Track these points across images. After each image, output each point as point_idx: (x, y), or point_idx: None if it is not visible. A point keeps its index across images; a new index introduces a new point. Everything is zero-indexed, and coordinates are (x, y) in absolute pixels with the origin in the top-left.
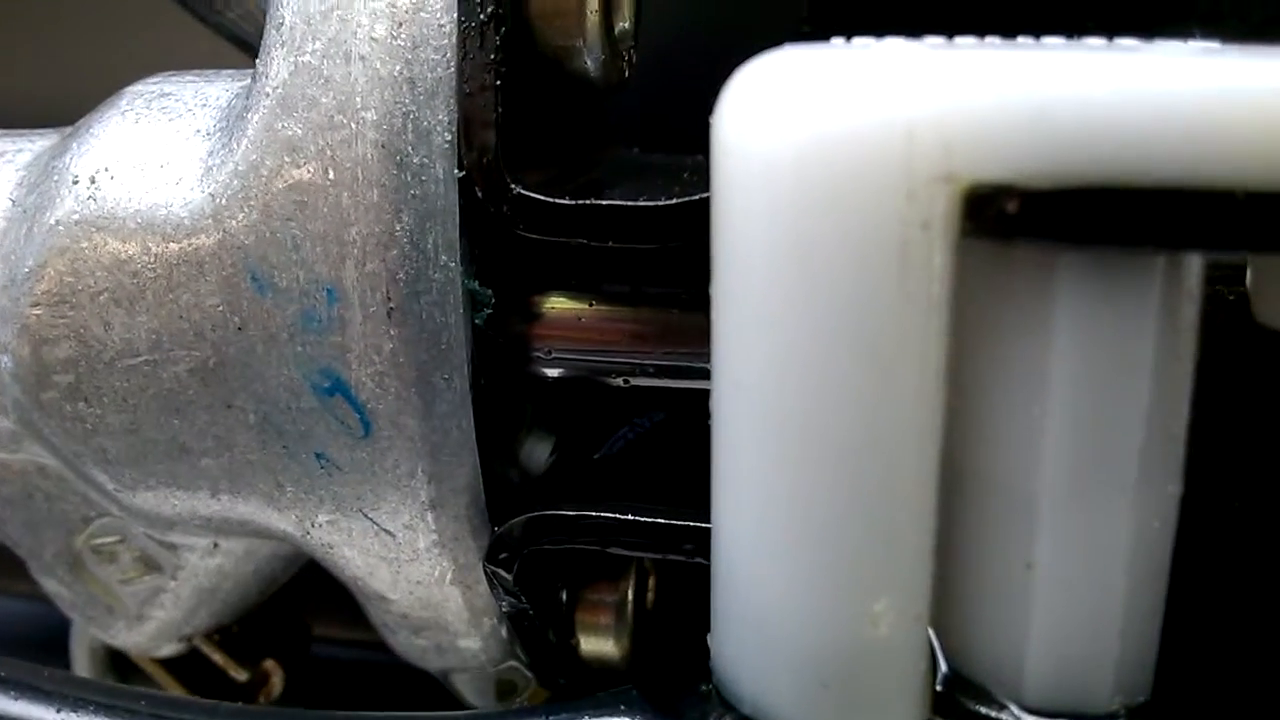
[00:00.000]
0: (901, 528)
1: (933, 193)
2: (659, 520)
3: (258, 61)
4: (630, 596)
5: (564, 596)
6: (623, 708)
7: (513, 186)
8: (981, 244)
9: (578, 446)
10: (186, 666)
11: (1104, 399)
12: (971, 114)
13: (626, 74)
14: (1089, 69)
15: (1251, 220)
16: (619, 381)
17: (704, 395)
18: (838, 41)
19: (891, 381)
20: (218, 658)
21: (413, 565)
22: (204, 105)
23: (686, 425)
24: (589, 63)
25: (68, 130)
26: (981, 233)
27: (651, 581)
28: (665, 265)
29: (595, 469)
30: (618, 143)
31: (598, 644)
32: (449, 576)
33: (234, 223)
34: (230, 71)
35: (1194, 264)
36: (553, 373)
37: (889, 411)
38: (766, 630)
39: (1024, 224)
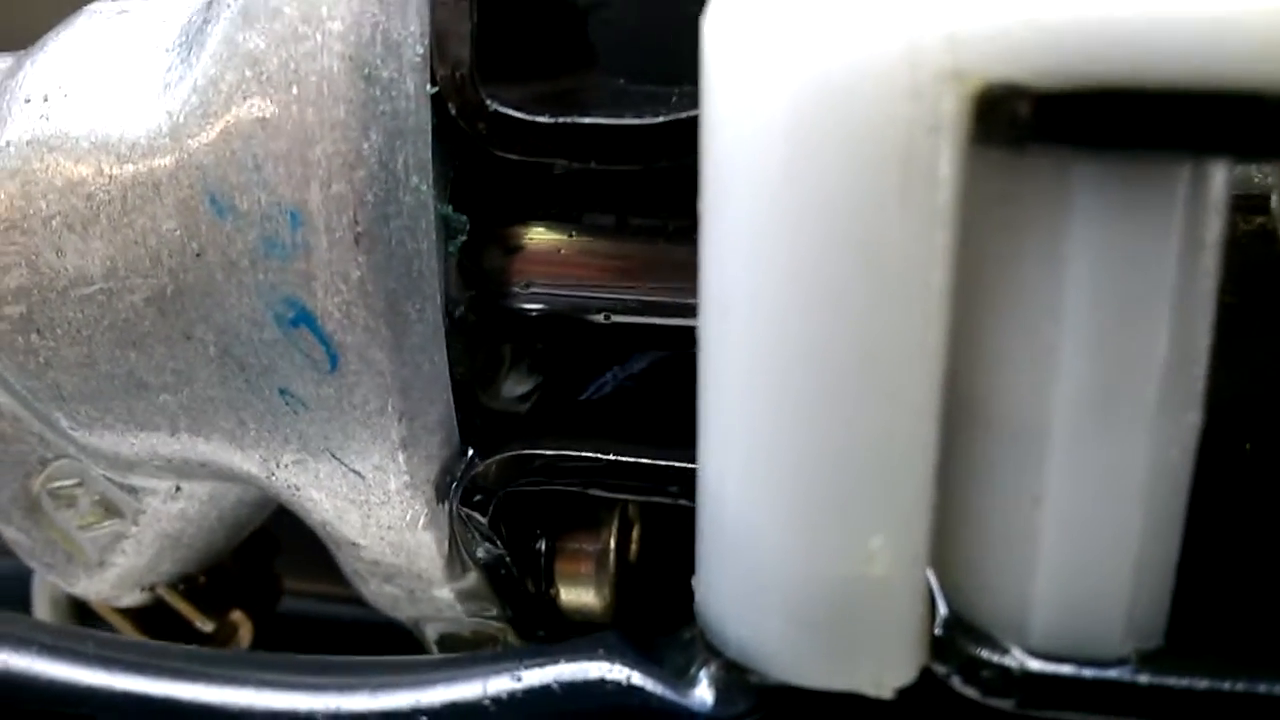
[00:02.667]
0: (900, 458)
1: (939, 92)
2: (643, 460)
3: None
4: (613, 545)
5: (542, 545)
6: (601, 652)
7: (488, 103)
8: (992, 152)
9: (562, 389)
10: (151, 617)
11: (1122, 319)
12: (979, 4)
13: None
14: None
15: None
16: (600, 318)
17: (691, 333)
18: None
19: (891, 300)
20: (183, 607)
21: (383, 509)
22: (164, 21)
23: (675, 369)
24: None
25: (24, 52)
26: (992, 139)
27: (636, 532)
28: (650, 193)
29: (577, 410)
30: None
31: (578, 594)
32: (422, 520)
33: (192, 142)
34: None
35: (1219, 176)
36: (531, 307)
37: (888, 332)
38: (754, 570)
39: (1038, 129)
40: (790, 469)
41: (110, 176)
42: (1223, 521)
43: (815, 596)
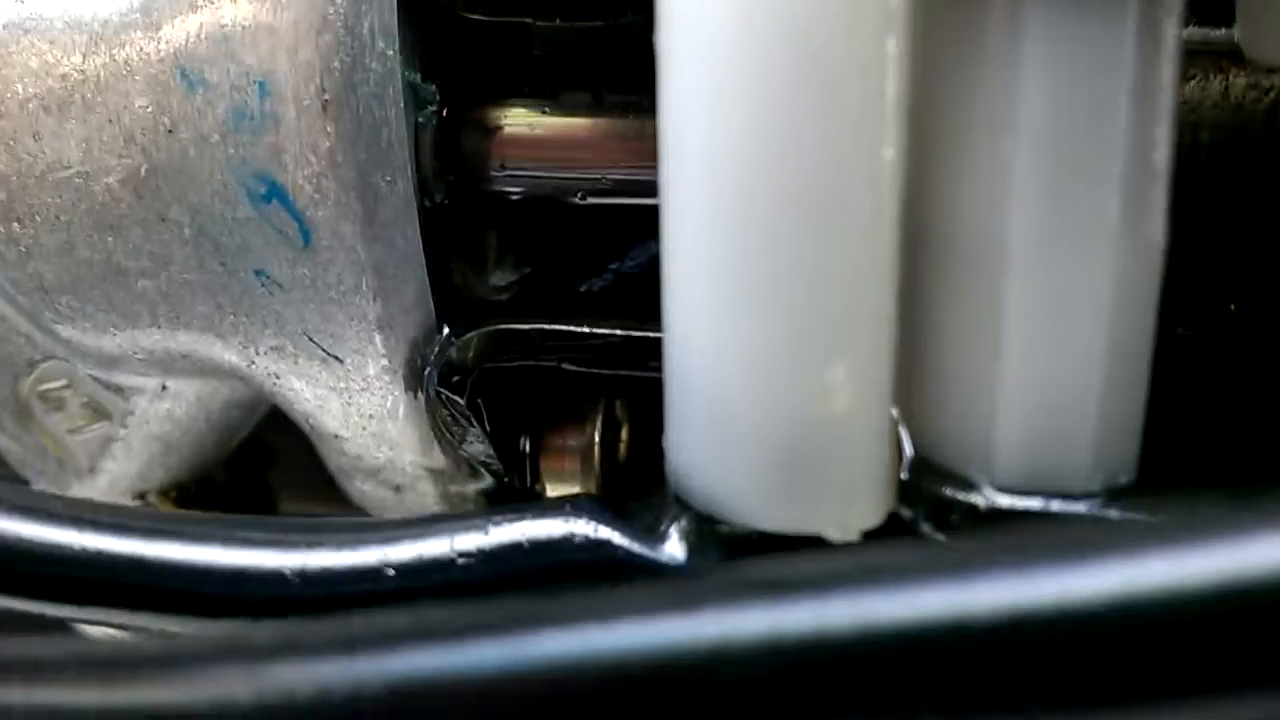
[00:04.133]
0: (857, 286)
1: None
2: (620, 332)
3: None
4: (597, 440)
5: (526, 443)
6: (569, 509)
7: None
8: None
9: (550, 277)
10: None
11: (1080, 126)
12: None
13: None
14: None
15: None
16: (575, 199)
17: None
18: None
19: (845, 114)
20: None
21: (364, 396)
22: None
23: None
24: None
25: None
26: None
27: (625, 432)
28: (624, 68)
29: (561, 294)
30: None
31: (564, 490)
32: (403, 408)
33: (162, 15)
34: None
35: None
36: (507, 189)
37: (842, 148)
38: (720, 417)
39: None
40: (748, 305)
41: (84, 55)
42: (1205, 372)
43: (779, 439)
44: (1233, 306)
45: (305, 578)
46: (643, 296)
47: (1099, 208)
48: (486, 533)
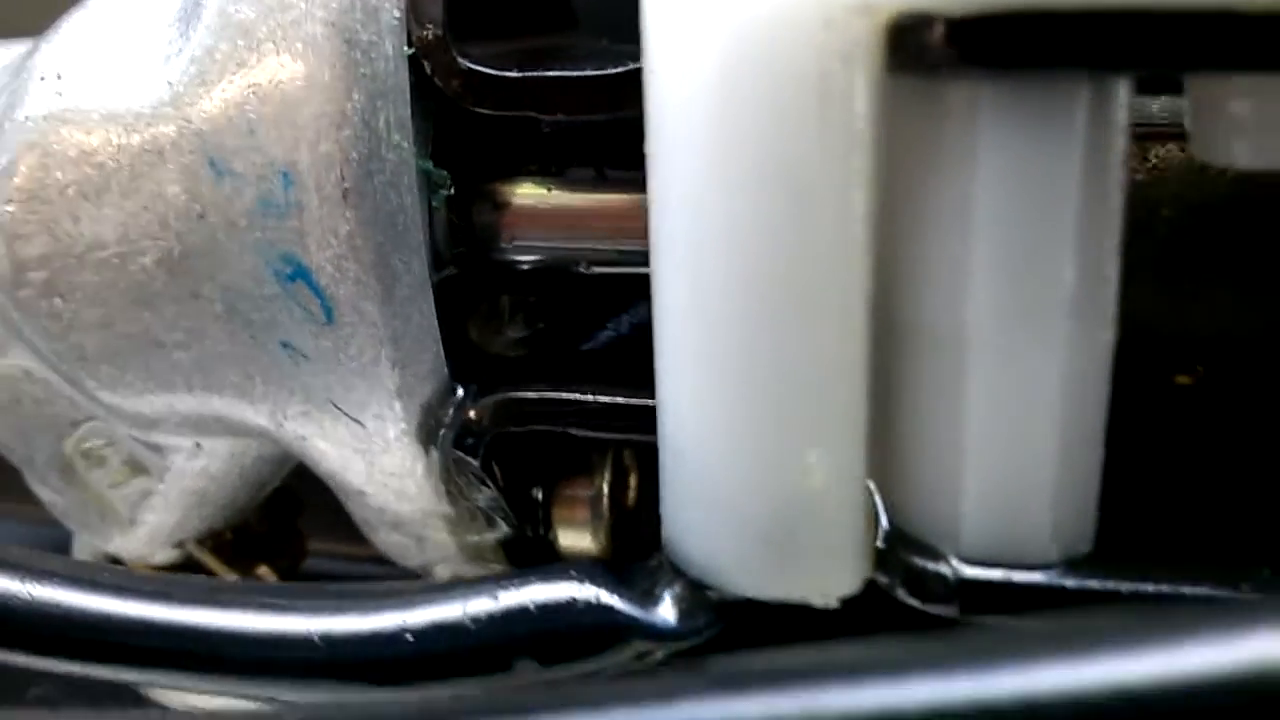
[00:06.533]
0: (830, 375)
1: (851, 23)
2: (619, 399)
3: None
4: (606, 490)
5: (539, 492)
6: (573, 574)
7: (460, 61)
8: (906, 80)
9: (560, 337)
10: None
11: (1029, 235)
12: None
13: None
14: None
15: (1173, 37)
16: (581, 268)
17: None
18: None
19: (815, 222)
20: (211, 562)
21: (385, 456)
22: None
23: None
24: None
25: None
26: (905, 66)
27: (634, 480)
28: (625, 146)
29: (571, 356)
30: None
31: (575, 538)
32: (421, 467)
33: (191, 110)
34: None
35: (1120, 94)
36: (517, 260)
37: (814, 254)
38: (709, 490)
39: (948, 54)
40: (731, 390)
41: (119, 146)
42: (1161, 446)
43: (762, 512)
44: (1200, 369)
45: (331, 642)
46: (645, 361)
47: (1048, 310)
48: (496, 598)
